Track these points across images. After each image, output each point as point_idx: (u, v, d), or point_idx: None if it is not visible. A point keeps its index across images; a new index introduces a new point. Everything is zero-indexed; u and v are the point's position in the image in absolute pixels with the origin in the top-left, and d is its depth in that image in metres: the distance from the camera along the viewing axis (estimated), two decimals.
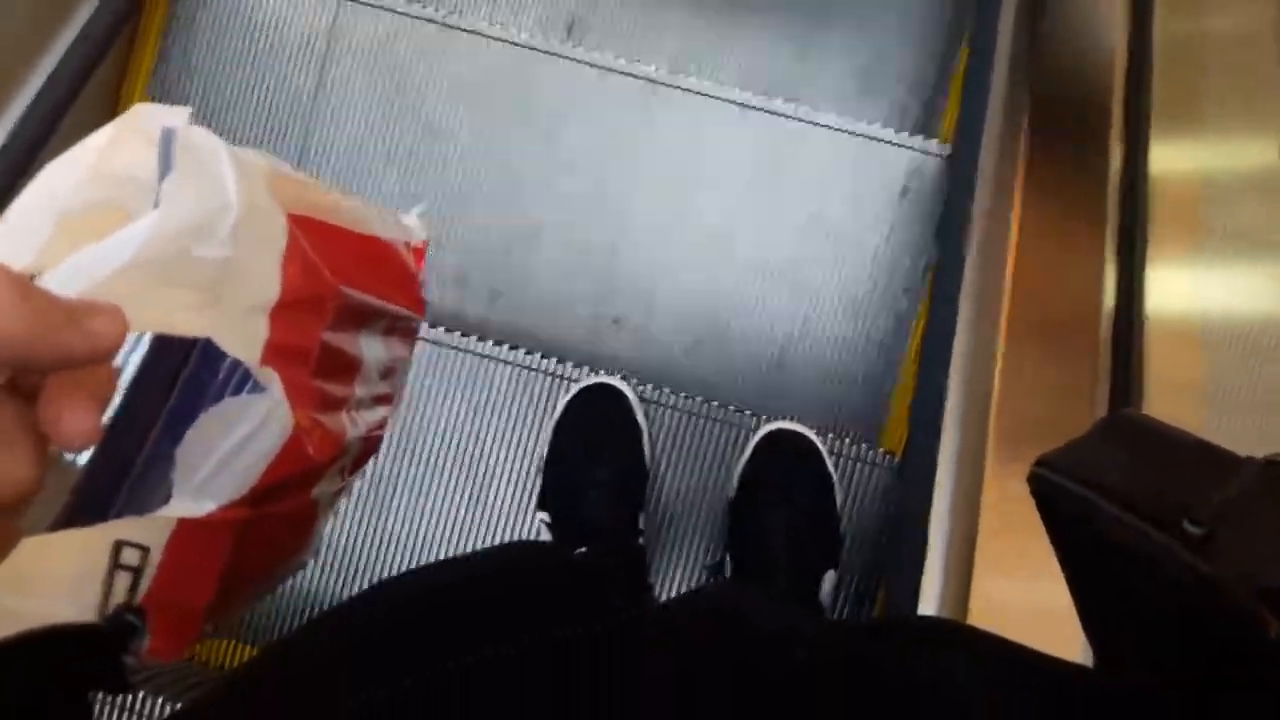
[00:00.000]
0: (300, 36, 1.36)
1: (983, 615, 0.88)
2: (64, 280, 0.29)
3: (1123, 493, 0.39)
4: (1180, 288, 0.99)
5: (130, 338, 0.32)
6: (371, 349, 0.44)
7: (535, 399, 1.18)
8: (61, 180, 0.32)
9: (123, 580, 0.36)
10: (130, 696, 0.99)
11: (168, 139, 0.32)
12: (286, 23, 1.37)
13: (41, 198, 0.32)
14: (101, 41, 1.25)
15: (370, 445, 0.45)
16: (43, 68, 1.20)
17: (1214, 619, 0.36)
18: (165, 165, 0.32)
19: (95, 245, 0.29)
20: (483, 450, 1.18)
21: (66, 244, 0.31)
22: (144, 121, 0.33)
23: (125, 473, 0.39)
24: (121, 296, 0.29)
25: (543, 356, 1.18)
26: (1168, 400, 0.91)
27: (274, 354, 0.35)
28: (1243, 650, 0.36)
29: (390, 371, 0.47)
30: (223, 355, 0.34)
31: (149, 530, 0.37)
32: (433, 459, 1.18)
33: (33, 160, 1.15)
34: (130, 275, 0.30)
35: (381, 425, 0.46)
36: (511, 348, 1.19)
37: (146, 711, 0.99)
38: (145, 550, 0.36)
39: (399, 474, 1.18)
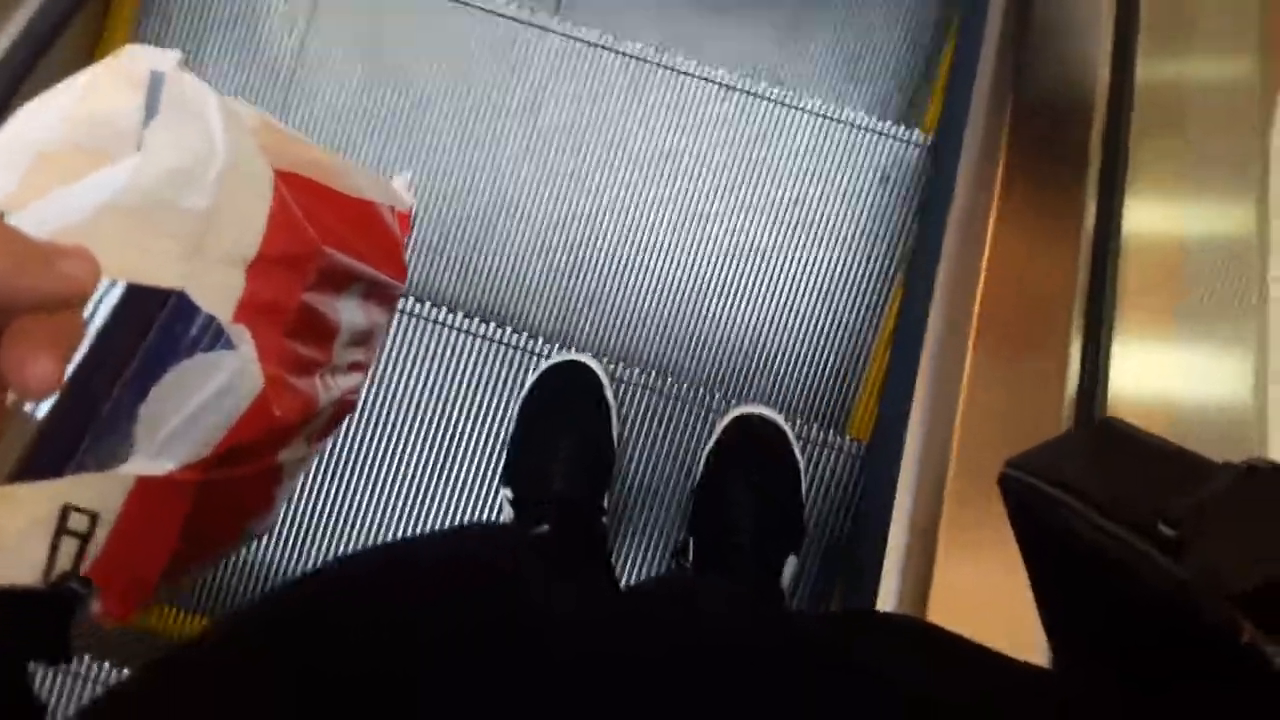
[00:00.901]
0: (282, 2, 1.34)
1: (942, 607, 0.89)
2: (38, 220, 0.28)
3: (1096, 495, 0.39)
4: (1149, 280, 1.00)
5: (102, 284, 0.31)
6: (350, 313, 0.42)
7: (504, 374, 1.17)
8: (41, 119, 0.31)
9: (69, 546, 0.35)
10: (76, 659, 0.97)
11: (156, 83, 0.31)
12: None
13: (18, 136, 0.31)
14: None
15: (341, 412, 0.44)
16: (15, 21, 1.17)
17: (1185, 622, 0.36)
18: (151, 109, 0.31)
19: (73, 186, 0.28)
20: (448, 423, 1.17)
21: (42, 184, 0.29)
22: (132, 64, 0.32)
23: (86, 426, 0.38)
24: (97, 240, 0.27)
25: (514, 331, 1.17)
26: (1133, 391, 0.92)
27: (249, 310, 0.34)
28: (1213, 654, 0.36)
29: (366, 338, 0.46)
30: (196, 309, 0.33)
31: (100, 495, 0.35)
32: (397, 431, 1.17)
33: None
34: (107, 219, 0.29)
35: (354, 392, 0.45)
36: (482, 321, 1.17)
37: (92, 676, 0.98)
38: (94, 516, 0.35)
39: (361, 445, 1.16)
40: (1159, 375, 1.00)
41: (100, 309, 0.38)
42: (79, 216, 0.28)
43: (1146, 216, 1.02)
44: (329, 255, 0.38)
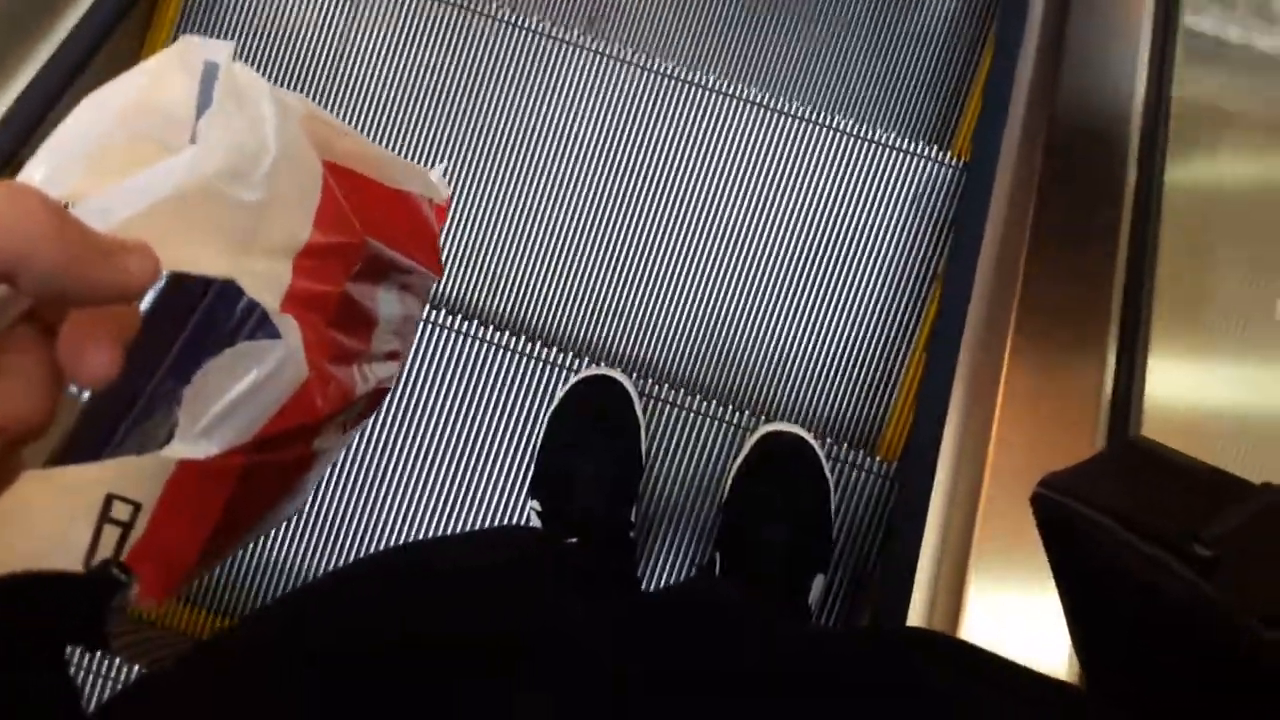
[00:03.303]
0: (319, 13, 1.36)
1: (974, 629, 0.88)
2: (97, 213, 0.28)
3: (1129, 515, 0.38)
4: (1188, 298, 1.00)
5: None
6: (388, 304, 0.43)
7: (534, 387, 1.17)
8: (101, 111, 0.32)
9: (111, 534, 0.35)
10: (101, 660, 0.98)
11: (210, 74, 0.32)
12: (307, 5, 1.37)
13: (80, 128, 0.31)
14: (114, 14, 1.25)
15: (375, 400, 0.45)
16: (63, 25, 1.19)
17: (1219, 644, 0.35)
18: (205, 101, 0.32)
19: (130, 179, 0.29)
20: (478, 435, 1.17)
21: (101, 176, 0.30)
22: (188, 55, 0.32)
23: (128, 409, 0.38)
24: (153, 232, 0.28)
25: (543, 345, 1.18)
26: (1165, 413, 0.91)
27: (295, 300, 0.34)
28: (1248, 678, 0.35)
29: (401, 328, 0.46)
30: (241, 297, 0.34)
31: (143, 485, 0.36)
32: (427, 441, 1.17)
33: (43, 120, 1.15)
34: (163, 211, 0.29)
35: (388, 381, 0.46)
36: (512, 335, 1.18)
37: (116, 676, 0.99)
38: (137, 506, 0.35)
39: (393, 454, 1.17)
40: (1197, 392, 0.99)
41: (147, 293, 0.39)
42: (136, 209, 0.29)
43: (1184, 240, 1.02)
44: (372, 246, 0.38)
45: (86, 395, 0.37)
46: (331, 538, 1.17)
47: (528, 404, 1.17)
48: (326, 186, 0.36)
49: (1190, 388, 1.00)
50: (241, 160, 0.31)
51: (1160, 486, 0.40)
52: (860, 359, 1.28)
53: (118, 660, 0.99)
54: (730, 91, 1.31)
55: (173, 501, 0.36)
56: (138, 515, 0.35)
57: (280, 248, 0.34)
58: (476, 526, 1.17)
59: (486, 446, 1.17)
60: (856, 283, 1.29)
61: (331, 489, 1.17)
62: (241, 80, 0.32)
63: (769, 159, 1.31)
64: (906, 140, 1.29)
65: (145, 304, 0.37)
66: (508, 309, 1.31)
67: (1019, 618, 0.87)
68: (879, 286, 1.29)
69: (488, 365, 1.17)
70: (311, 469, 0.42)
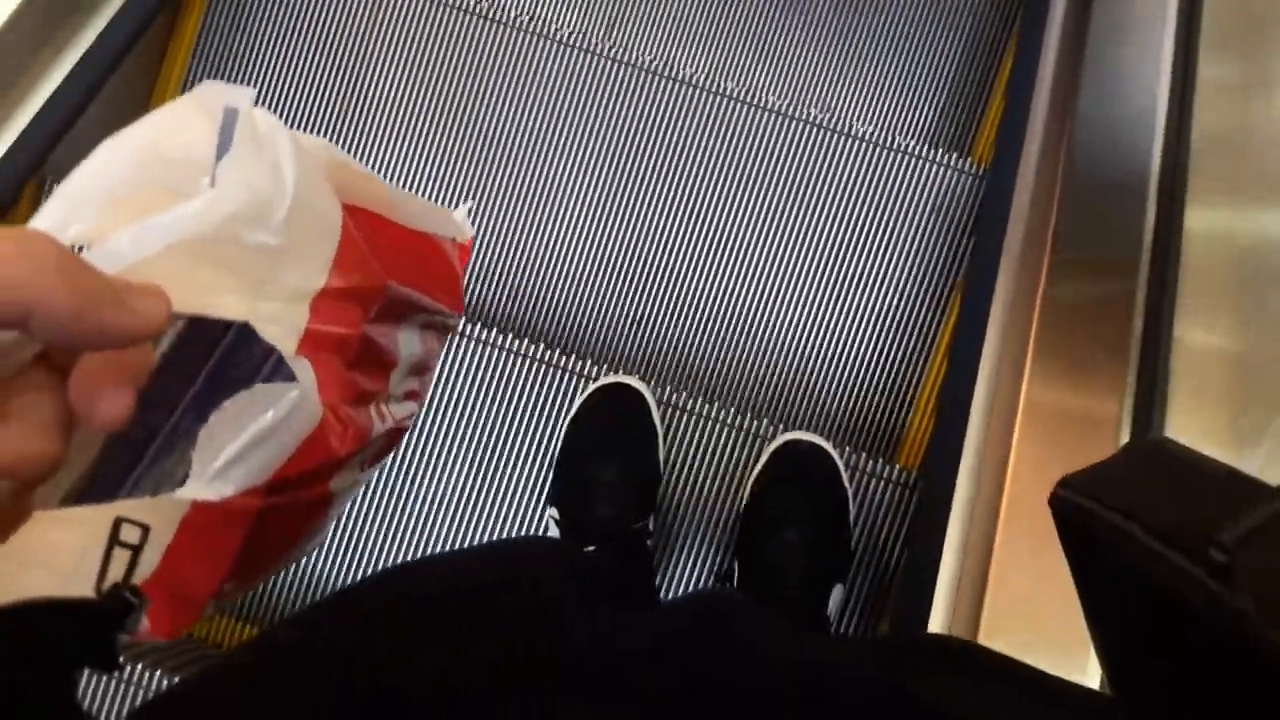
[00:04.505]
0: (341, 27, 1.36)
1: (994, 638, 0.87)
2: (111, 256, 0.28)
3: (1147, 516, 0.38)
4: (1207, 300, 0.99)
5: None
6: (408, 344, 0.43)
7: (553, 395, 1.17)
8: (119, 155, 0.32)
9: (121, 557, 0.35)
10: (128, 666, 0.99)
11: (229, 119, 0.32)
12: (327, 14, 1.37)
13: (97, 172, 0.31)
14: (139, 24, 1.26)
15: (393, 439, 0.45)
16: (83, 39, 1.20)
17: (1237, 651, 0.35)
18: (224, 146, 0.32)
19: (145, 222, 0.29)
20: (497, 443, 1.17)
21: (118, 219, 0.30)
22: (208, 99, 0.32)
23: (143, 450, 0.39)
24: (166, 276, 0.28)
25: (561, 353, 1.18)
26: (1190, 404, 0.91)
27: (312, 343, 0.34)
28: (1268, 686, 0.35)
29: (421, 368, 0.46)
30: (258, 339, 0.34)
31: (152, 508, 0.36)
32: (445, 450, 1.17)
33: (65, 133, 1.16)
34: (178, 255, 0.29)
35: (407, 420, 0.46)
36: (531, 342, 1.18)
37: (144, 681, 1.00)
38: (146, 528, 0.36)
39: (411, 463, 1.17)
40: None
41: (164, 333, 0.39)
42: (151, 252, 0.29)
43: (1208, 243, 1.01)
44: (392, 289, 0.38)
45: (103, 435, 0.37)
46: (352, 546, 1.17)
47: (546, 412, 1.17)
48: (346, 230, 0.36)
49: (1215, 393, 0.99)
50: (259, 204, 0.31)
51: (1181, 487, 0.40)
52: (880, 367, 1.27)
53: (140, 665, 1.00)
54: (750, 99, 1.30)
55: (188, 540, 0.36)
56: (147, 537, 0.36)
57: (298, 291, 0.34)
58: (495, 535, 1.17)
59: (504, 454, 1.17)
60: (876, 291, 1.28)
61: (353, 501, 1.17)
62: (261, 125, 0.32)
63: (789, 166, 1.30)
64: (927, 147, 1.28)
65: (166, 343, 0.38)
66: (527, 316, 1.31)
67: (1041, 627, 0.87)
68: (899, 294, 1.28)
69: (506, 373, 1.17)
70: (330, 508, 0.42)
